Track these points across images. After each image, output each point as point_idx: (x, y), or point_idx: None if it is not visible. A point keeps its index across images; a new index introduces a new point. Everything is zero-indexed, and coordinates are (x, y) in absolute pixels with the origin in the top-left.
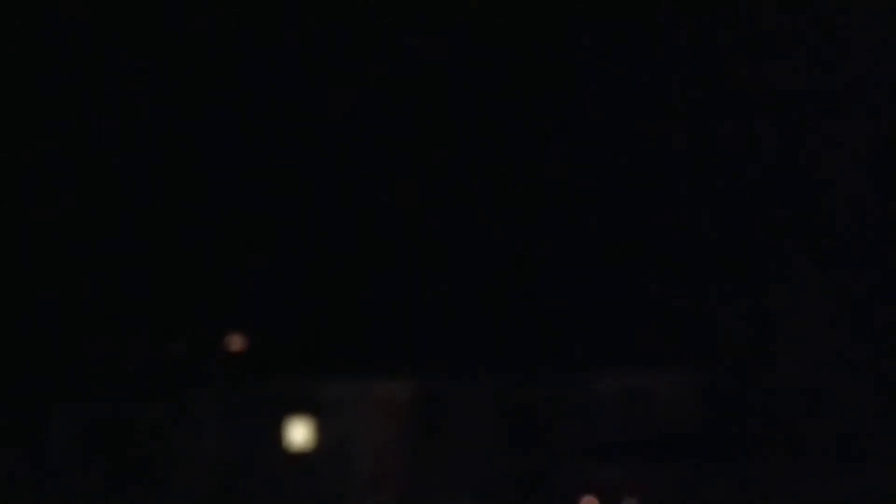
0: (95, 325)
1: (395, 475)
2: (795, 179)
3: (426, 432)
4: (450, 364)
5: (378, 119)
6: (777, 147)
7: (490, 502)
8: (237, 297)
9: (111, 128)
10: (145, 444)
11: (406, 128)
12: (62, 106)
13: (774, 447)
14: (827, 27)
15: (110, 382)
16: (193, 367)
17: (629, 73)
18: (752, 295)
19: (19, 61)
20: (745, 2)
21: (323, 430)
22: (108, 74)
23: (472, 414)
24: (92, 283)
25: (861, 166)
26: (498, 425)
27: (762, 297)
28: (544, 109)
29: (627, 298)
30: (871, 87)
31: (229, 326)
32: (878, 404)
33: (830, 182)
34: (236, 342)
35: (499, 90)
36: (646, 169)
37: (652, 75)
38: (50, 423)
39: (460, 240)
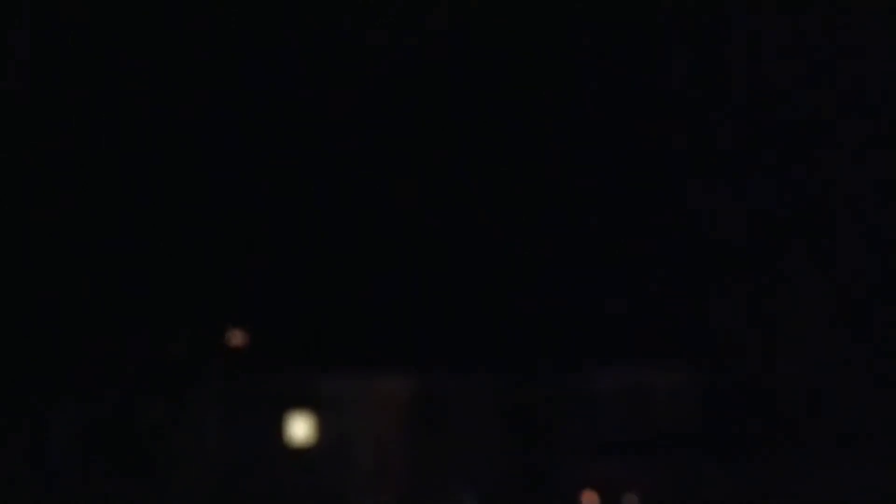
0: (94, 321)
1: (395, 471)
2: (795, 177)
3: (427, 428)
4: (450, 360)
5: (378, 118)
6: (778, 145)
7: (490, 498)
8: (237, 292)
9: (111, 126)
10: (145, 439)
11: (406, 127)
12: (62, 103)
13: (775, 445)
14: (827, 27)
15: (109, 378)
16: (193, 363)
17: (629, 73)
18: (752, 293)
19: (19, 61)
20: (745, 2)
21: (323, 426)
22: (107, 73)
23: (473, 410)
24: (90, 278)
25: (861, 165)
26: (499, 421)
27: (763, 294)
28: (544, 107)
29: (628, 296)
30: (871, 87)
31: (229, 322)
32: (879, 403)
33: (831, 180)
34: (237, 338)
35: (499, 90)
36: (645, 168)
37: (652, 75)
38: (49, 419)
39: (461, 236)
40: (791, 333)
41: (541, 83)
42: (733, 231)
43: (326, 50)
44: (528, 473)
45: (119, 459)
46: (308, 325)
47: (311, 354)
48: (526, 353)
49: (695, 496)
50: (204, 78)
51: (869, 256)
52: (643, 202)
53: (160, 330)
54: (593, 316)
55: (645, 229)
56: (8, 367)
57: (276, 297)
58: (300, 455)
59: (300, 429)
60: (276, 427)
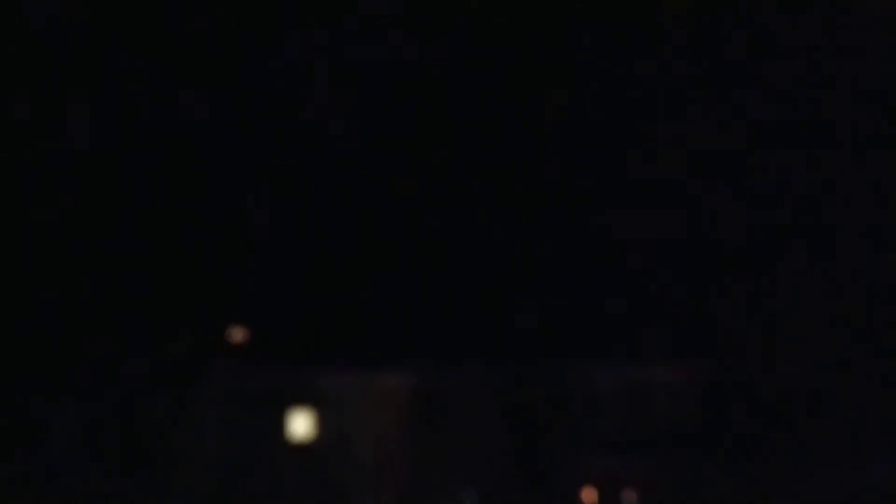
0: (95, 319)
1: (395, 467)
2: (796, 177)
3: (427, 425)
4: (450, 356)
5: (377, 116)
6: (779, 142)
7: (490, 494)
8: (238, 291)
9: (111, 124)
10: (146, 436)
11: (405, 124)
12: (62, 98)
13: (773, 442)
14: (827, 27)
15: (110, 376)
16: (195, 360)
17: (629, 73)
18: (752, 292)
19: (19, 61)
20: (746, 2)
21: (324, 422)
22: (107, 71)
23: (473, 406)
24: (91, 277)
25: (861, 165)
26: (498, 417)
27: (762, 294)
28: (543, 103)
29: (628, 293)
30: (872, 86)
31: (230, 319)
32: (880, 400)
33: (831, 180)
34: (237, 334)
35: (499, 90)
36: (645, 164)
37: (652, 75)
38: (50, 415)
39: (461, 233)
40: (790, 332)
41: (541, 83)
42: (733, 231)
43: (327, 49)
44: (527, 470)
45: (120, 456)
46: (309, 322)
47: (311, 352)
48: (526, 351)
49: (694, 493)
50: (205, 78)
51: (869, 256)
52: (643, 201)
53: (162, 328)
54: (593, 314)
55: (645, 228)
56: (8, 367)
57: (277, 295)
58: (301, 452)
59: (301, 426)
60: (277, 424)
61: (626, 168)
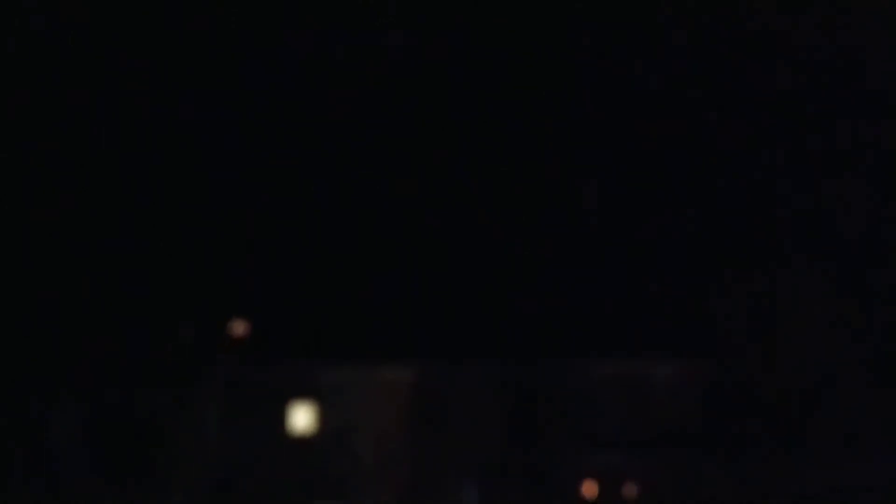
0: (97, 313)
1: (396, 460)
2: (795, 172)
3: (427, 418)
4: (451, 350)
5: (377, 117)
6: (780, 139)
7: (490, 487)
8: (240, 283)
9: (112, 123)
10: (147, 429)
11: (404, 119)
12: (62, 93)
13: (773, 436)
14: (827, 27)
15: (112, 369)
16: (196, 353)
17: (629, 73)
18: (752, 284)
19: (19, 61)
20: (746, 2)
21: (325, 416)
22: (107, 65)
23: (473, 400)
24: (94, 269)
25: (862, 162)
26: (499, 411)
27: (763, 286)
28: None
29: (628, 287)
30: (872, 86)
31: (232, 312)
32: (879, 396)
33: (831, 178)
34: (239, 328)
35: (499, 90)
36: (646, 159)
37: (652, 75)
38: (51, 410)
39: (461, 227)
40: (790, 331)
41: (541, 83)
42: (733, 228)
43: (327, 48)
44: (527, 464)
45: (122, 451)
46: (310, 317)
47: (312, 346)
48: (526, 343)
49: (693, 488)
50: (206, 77)
51: (869, 254)
52: (643, 198)
53: (164, 322)
54: (594, 307)
55: (645, 224)
56: (8, 364)
57: (278, 290)
58: (301, 445)
59: (301, 419)
60: (278, 417)
61: (624, 164)
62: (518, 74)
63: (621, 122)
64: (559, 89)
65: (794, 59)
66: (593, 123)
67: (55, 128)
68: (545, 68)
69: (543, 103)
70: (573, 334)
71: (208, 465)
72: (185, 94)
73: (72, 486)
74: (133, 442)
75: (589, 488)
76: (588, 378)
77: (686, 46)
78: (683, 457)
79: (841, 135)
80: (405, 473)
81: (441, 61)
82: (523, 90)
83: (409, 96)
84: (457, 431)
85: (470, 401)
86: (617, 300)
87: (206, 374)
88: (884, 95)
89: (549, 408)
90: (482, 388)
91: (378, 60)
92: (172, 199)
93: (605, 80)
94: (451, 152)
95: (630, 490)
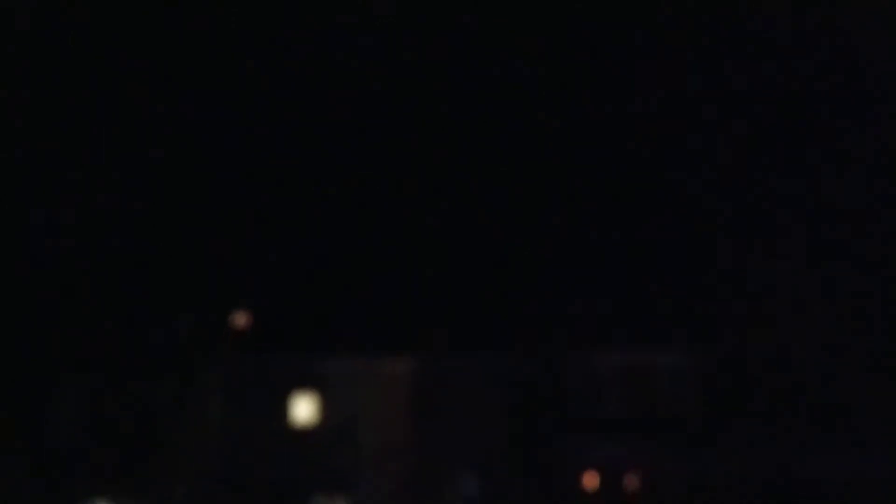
0: (100, 302)
1: (398, 450)
2: (796, 164)
3: (429, 407)
4: (453, 340)
5: (377, 114)
6: (781, 137)
7: (492, 477)
8: (242, 274)
9: (112, 115)
10: (150, 420)
11: (403, 112)
12: (62, 89)
13: (775, 427)
14: (827, 27)
15: (114, 359)
16: (198, 344)
17: (629, 73)
18: (753, 274)
19: (19, 61)
20: (746, 2)
21: (327, 406)
22: (107, 63)
23: (475, 390)
24: (94, 262)
25: (861, 164)
26: (500, 401)
27: (765, 277)
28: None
29: (629, 278)
30: (872, 86)
31: (234, 303)
32: (880, 386)
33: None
34: (241, 319)
35: (499, 90)
36: (646, 152)
37: (652, 75)
38: (51, 403)
39: (463, 215)
40: (791, 319)
41: (541, 83)
42: (734, 216)
43: (327, 46)
44: (529, 455)
45: (125, 441)
46: (311, 308)
47: (314, 337)
48: (527, 338)
49: (694, 478)
50: (207, 76)
51: (867, 243)
52: (645, 187)
53: (165, 314)
54: (596, 295)
55: (647, 213)
56: (10, 352)
57: (280, 281)
58: (303, 436)
59: (303, 410)
60: (280, 409)
61: (628, 150)
62: (518, 74)
63: (621, 119)
64: (560, 86)
65: (794, 59)
66: (593, 118)
67: (54, 124)
68: (545, 68)
69: (545, 93)
70: (574, 326)
71: (210, 456)
72: (185, 88)
73: (72, 479)
74: (134, 434)
75: (590, 480)
76: (589, 370)
77: (686, 46)
78: (685, 448)
79: (841, 131)
80: (407, 464)
81: (441, 61)
82: (524, 87)
83: (410, 92)
84: (458, 422)
85: (471, 392)
86: (618, 291)
87: (208, 366)
88: (885, 95)
89: (550, 397)
90: (484, 377)
91: (378, 59)
92: (173, 192)
93: (605, 78)
94: (452, 143)
95: (632, 482)
